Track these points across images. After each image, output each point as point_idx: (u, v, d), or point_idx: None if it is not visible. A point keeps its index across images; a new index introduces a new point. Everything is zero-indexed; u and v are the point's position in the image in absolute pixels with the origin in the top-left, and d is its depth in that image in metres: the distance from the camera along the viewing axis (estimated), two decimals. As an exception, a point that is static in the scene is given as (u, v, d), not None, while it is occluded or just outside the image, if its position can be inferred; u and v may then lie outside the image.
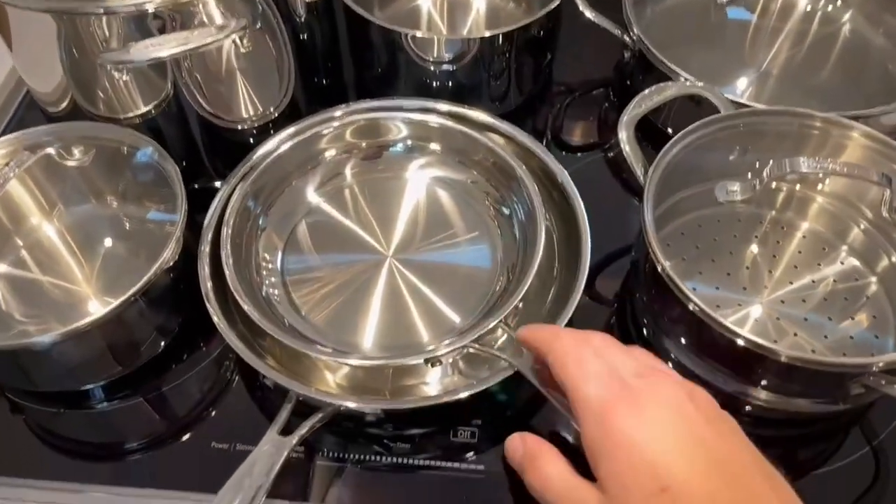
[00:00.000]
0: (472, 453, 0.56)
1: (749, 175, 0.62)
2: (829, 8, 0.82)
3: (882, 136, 0.59)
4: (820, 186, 0.64)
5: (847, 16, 0.81)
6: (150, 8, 0.55)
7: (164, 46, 0.53)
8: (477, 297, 0.61)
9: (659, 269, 0.53)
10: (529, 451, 0.44)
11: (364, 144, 0.69)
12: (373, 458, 0.56)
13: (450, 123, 0.67)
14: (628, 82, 0.78)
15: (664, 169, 0.58)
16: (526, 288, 0.55)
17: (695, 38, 0.80)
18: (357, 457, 0.55)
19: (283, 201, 0.66)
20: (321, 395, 0.52)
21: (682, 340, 0.56)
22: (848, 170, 0.54)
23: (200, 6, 0.57)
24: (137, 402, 0.59)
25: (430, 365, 0.54)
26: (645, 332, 0.62)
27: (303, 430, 0.50)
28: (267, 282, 0.62)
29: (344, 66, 0.80)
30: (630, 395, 0.40)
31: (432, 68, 0.71)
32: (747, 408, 0.57)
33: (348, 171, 0.69)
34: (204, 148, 0.69)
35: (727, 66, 0.79)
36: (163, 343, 0.60)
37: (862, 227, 0.63)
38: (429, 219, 0.67)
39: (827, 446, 0.57)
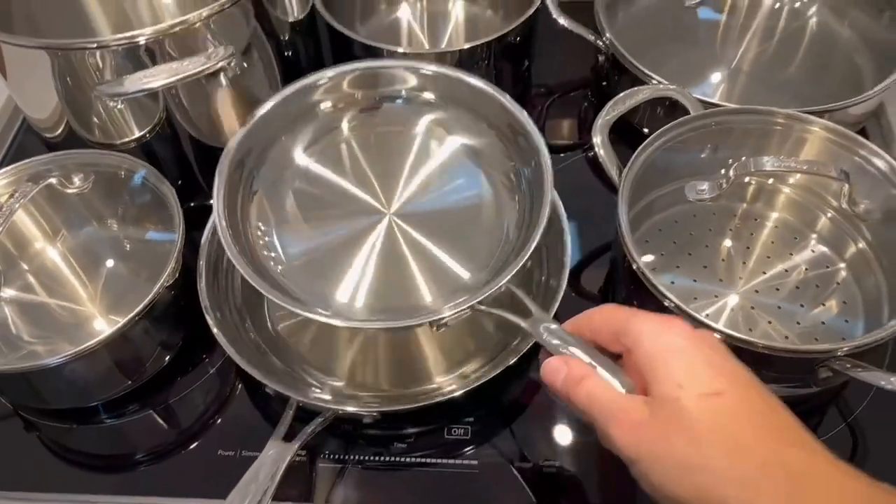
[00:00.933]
0: (465, 449, 0.59)
1: (722, 172, 0.65)
2: (796, 3, 0.84)
3: (840, 128, 0.62)
4: (789, 178, 0.67)
5: (813, 9, 0.83)
6: (142, 40, 0.58)
7: (158, 77, 0.56)
8: (485, 253, 0.59)
9: (634, 266, 0.56)
10: (574, 374, 0.43)
11: (360, 96, 0.65)
12: (372, 458, 0.58)
13: (453, 74, 0.63)
14: (604, 83, 0.80)
15: (638, 170, 0.61)
16: (534, 245, 0.52)
17: (667, 39, 0.83)
18: (357, 457, 0.58)
19: (274, 161, 0.63)
20: (320, 400, 0.55)
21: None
22: (808, 167, 0.56)
23: (190, 35, 0.59)
24: (146, 415, 0.62)
25: (434, 328, 0.52)
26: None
27: (304, 435, 0.53)
28: (261, 242, 0.60)
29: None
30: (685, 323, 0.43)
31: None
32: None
33: (345, 125, 0.65)
34: (198, 168, 0.71)
35: (699, 65, 0.82)
36: (167, 357, 0.63)
37: (829, 215, 0.65)
38: (431, 173, 0.63)
39: (806, 425, 0.60)
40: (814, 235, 0.66)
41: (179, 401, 0.63)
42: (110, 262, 0.65)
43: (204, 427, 0.62)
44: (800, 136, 0.62)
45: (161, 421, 0.63)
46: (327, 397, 0.59)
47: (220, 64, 0.57)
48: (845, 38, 0.81)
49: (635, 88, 0.65)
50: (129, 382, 0.61)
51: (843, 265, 0.65)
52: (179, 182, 0.71)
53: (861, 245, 0.63)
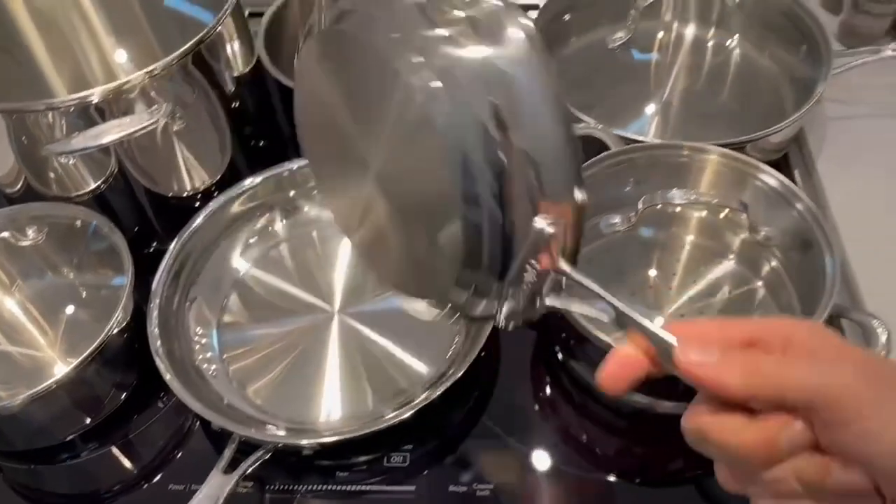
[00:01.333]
0: (404, 475, 0.62)
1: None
2: (718, 38, 0.89)
3: (737, 154, 0.66)
4: (705, 206, 0.70)
5: (734, 43, 0.88)
6: (95, 99, 0.62)
7: (102, 136, 0.60)
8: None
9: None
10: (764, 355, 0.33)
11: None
12: (316, 487, 0.61)
13: None
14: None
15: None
16: None
17: (601, 80, 0.87)
18: (302, 487, 0.61)
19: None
20: (261, 434, 0.58)
21: (584, 362, 0.63)
22: (710, 198, 0.60)
23: (137, 93, 0.63)
24: (103, 454, 0.66)
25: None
26: (560, 356, 0.68)
27: (243, 467, 0.56)
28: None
29: (280, 126, 0.86)
30: None
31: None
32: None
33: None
34: (154, 215, 0.75)
35: (633, 103, 0.86)
36: (123, 396, 0.66)
37: (742, 237, 0.69)
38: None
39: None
40: (732, 256, 0.70)
41: (136, 438, 0.66)
42: (70, 309, 0.69)
43: (160, 463, 0.65)
44: (701, 166, 0.66)
45: (118, 458, 0.66)
46: (280, 433, 0.62)
47: (161, 121, 0.61)
48: (767, 68, 0.85)
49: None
50: (88, 421, 0.65)
51: (760, 283, 0.68)
52: (136, 229, 0.75)
53: (774, 263, 0.67)
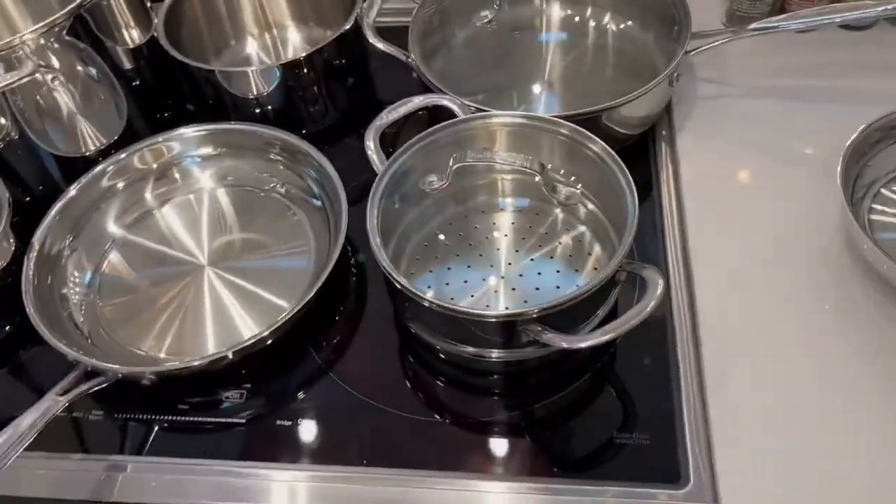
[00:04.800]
0: (240, 410, 0.68)
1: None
2: (588, 15, 0.93)
3: (534, 114, 0.71)
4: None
5: (606, 18, 0.92)
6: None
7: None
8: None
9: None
10: None
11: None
12: (160, 417, 0.67)
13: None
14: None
15: (397, 171, 0.69)
16: None
17: (487, 64, 0.92)
18: (148, 416, 0.68)
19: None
20: (97, 364, 0.64)
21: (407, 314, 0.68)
22: (510, 160, 0.65)
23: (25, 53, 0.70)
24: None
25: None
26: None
27: (76, 391, 0.62)
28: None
29: (179, 96, 0.91)
30: None
31: (251, 96, 0.84)
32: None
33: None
34: (58, 173, 0.82)
35: (519, 84, 0.90)
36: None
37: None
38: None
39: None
40: (557, 210, 0.75)
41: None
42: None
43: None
44: (510, 131, 0.72)
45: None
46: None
47: (38, 77, 0.69)
48: (641, 40, 0.89)
49: (408, 98, 0.74)
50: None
51: (584, 228, 0.73)
52: (40, 188, 0.82)
53: (590, 206, 0.73)
